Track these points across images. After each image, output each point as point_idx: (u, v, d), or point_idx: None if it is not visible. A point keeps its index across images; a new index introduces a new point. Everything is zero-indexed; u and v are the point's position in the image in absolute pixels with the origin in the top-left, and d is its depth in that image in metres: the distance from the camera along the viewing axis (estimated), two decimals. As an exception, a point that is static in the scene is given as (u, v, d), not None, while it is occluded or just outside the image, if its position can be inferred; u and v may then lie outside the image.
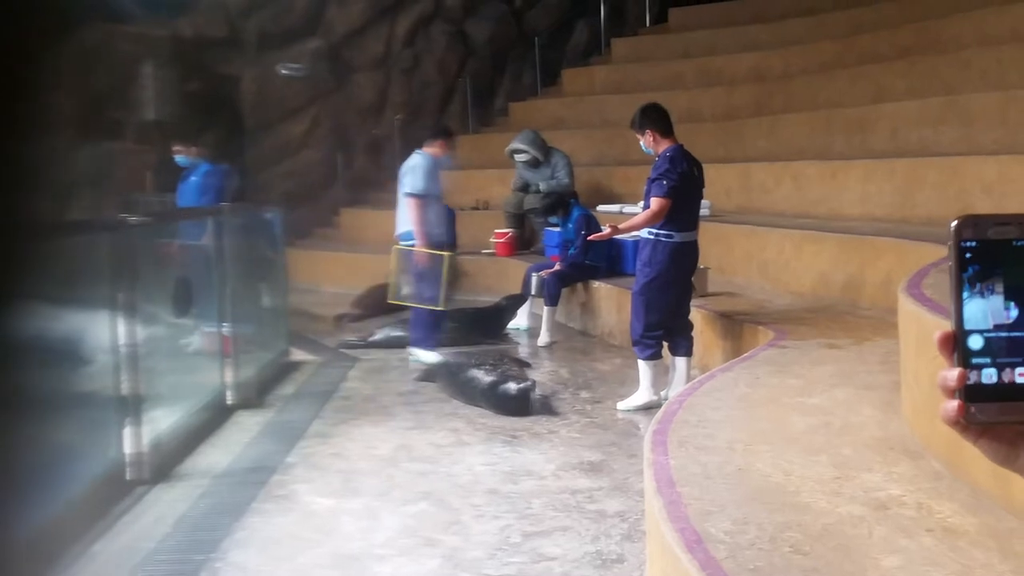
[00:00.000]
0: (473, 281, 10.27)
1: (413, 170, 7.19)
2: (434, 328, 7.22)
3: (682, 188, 5.49)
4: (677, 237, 5.54)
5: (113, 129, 11.67)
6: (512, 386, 5.62)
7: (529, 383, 5.68)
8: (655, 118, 5.65)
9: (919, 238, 5.93)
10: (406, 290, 7.20)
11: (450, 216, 8.28)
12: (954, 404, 0.83)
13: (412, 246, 7.08)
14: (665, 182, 5.45)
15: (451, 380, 6.07)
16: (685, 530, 2.63)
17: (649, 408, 5.48)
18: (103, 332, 4.54)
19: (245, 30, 12.97)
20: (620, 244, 8.05)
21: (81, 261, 4.81)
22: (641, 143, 5.71)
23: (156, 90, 11.74)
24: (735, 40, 12.53)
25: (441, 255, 7.04)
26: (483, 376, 5.78)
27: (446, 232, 7.66)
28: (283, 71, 12.93)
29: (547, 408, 5.60)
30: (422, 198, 7.06)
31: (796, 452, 3.31)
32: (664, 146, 5.58)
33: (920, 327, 3.34)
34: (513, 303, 8.19)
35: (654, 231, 5.56)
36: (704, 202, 6.74)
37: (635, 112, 5.75)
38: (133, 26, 12.08)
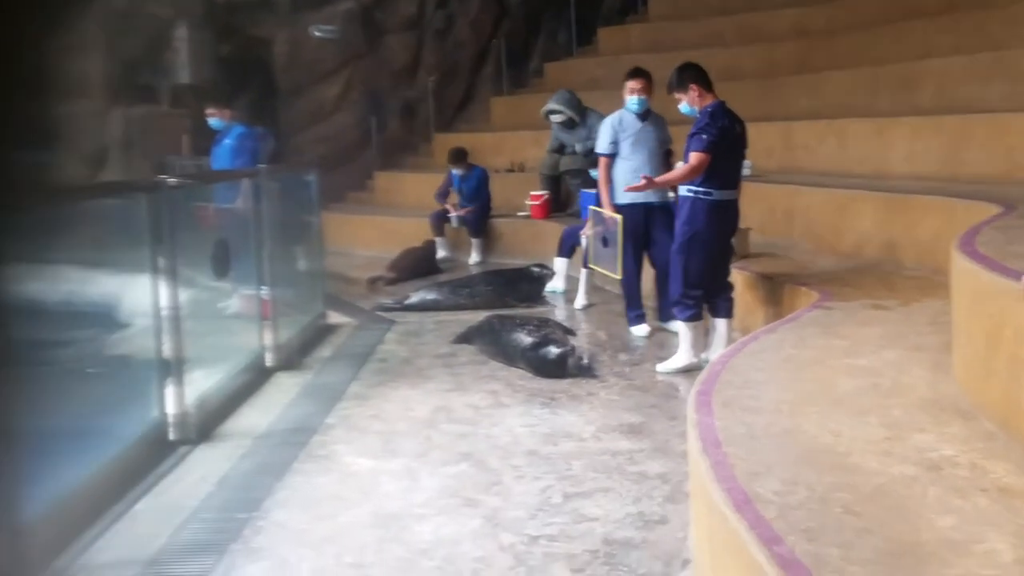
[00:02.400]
0: (508, 244, 10.23)
1: (601, 127, 6.69)
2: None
3: (722, 144, 5.38)
4: (716, 195, 5.44)
5: (147, 93, 11.69)
6: (552, 349, 5.58)
7: (568, 348, 5.64)
8: (696, 73, 5.55)
9: (968, 196, 5.79)
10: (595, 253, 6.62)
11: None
12: None
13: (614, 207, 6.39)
14: (704, 136, 5.34)
15: (493, 339, 6.05)
16: (733, 490, 2.58)
17: (688, 371, 5.42)
18: (143, 294, 4.55)
19: (278, -8, 12.91)
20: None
21: (118, 223, 4.82)
22: (682, 104, 5.59)
23: (189, 53, 11.73)
24: (776, -5, 12.28)
25: (616, 218, 6.30)
26: (524, 337, 5.75)
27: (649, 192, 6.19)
28: (315, 33, 12.86)
29: (585, 371, 5.55)
30: (607, 157, 6.51)
31: (844, 413, 3.24)
32: (707, 101, 5.48)
33: (976, 285, 3.24)
34: (546, 274, 8.11)
35: (692, 188, 5.46)
36: (745, 162, 6.61)
37: (671, 74, 5.64)
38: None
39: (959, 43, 8.43)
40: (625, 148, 6.44)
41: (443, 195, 10.38)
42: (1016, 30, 7.95)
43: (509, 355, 5.83)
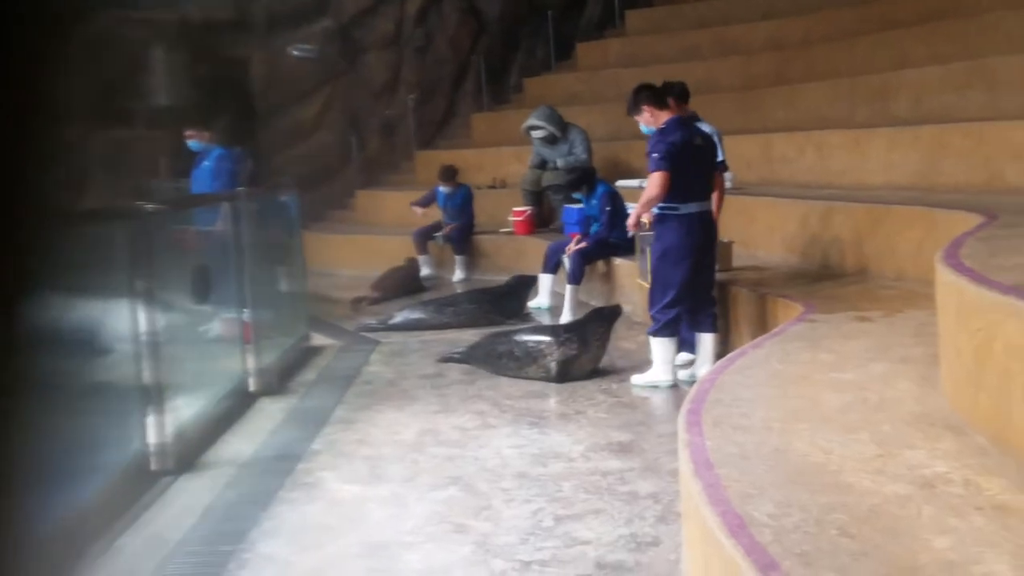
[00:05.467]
0: (491, 261, 10.20)
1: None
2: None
3: (678, 158, 5.39)
4: (682, 209, 5.45)
5: (125, 116, 11.61)
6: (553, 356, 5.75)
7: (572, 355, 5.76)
8: (648, 93, 5.63)
9: (947, 206, 5.80)
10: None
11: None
12: None
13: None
14: (655, 155, 5.41)
15: (493, 348, 6.11)
16: (727, 514, 2.55)
17: (668, 386, 5.44)
18: (122, 321, 4.49)
19: (253, 12, 12.87)
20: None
21: (97, 250, 4.76)
22: (642, 126, 5.66)
23: (166, 75, 11.67)
24: (751, 9, 12.35)
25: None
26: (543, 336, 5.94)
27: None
28: (293, 53, 12.83)
29: (572, 388, 5.53)
30: None
31: (834, 430, 3.22)
32: (663, 119, 5.52)
33: (961, 298, 3.24)
34: (524, 283, 8.09)
35: (660, 204, 5.50)
36: (727, 174, 6.62)
37: (628, 98, 5.73)
38: (141, 11, 12.01)
39: (935, 53, 8.48)
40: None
41: (421, 204, 10.33)
42: (991, 38, 8.02)
43: (520, 359, 5.90)
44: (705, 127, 6.04)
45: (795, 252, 7.11)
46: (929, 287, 3.83)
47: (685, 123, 5.53)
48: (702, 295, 5.60)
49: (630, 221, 5.72)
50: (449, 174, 10.22)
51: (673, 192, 5.41)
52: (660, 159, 5.38)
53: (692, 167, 5.47)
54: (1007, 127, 6.66)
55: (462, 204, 10.26)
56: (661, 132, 5.46)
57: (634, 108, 5.64)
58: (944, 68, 8.07)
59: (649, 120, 5.57)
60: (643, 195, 5.56)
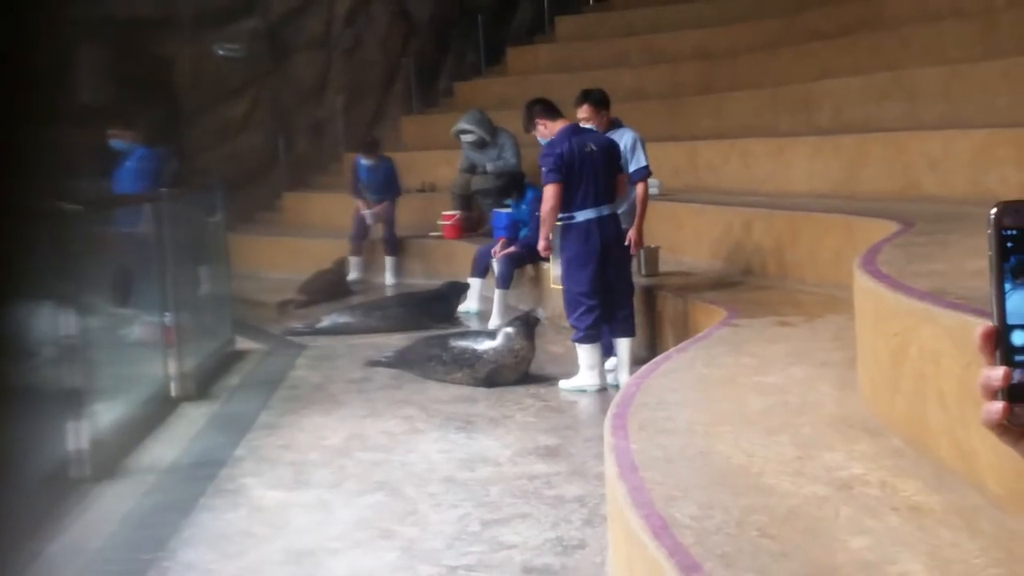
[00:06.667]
0: (421, 265, 10.16)
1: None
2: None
3: (569, 168, 5.44)
4: (578, 217, 5.53)
5: (46, 114, 11.30)
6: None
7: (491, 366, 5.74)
8: (539, 108, 5.72)
9: (866, 214, 5.96)
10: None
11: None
12: (997, 406, 0.76)
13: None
14: (544, 169, 5.51)
15: (426, 352, 6.10)
16: (650, 516, 2.58)
17: (595, 390, 5.49)
18: (41, 324, 4.36)
19: (179, 10, 12.61)
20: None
21: (15, 250, 4.62)
22: (540, 139, 5.73)
23: (89, 72, 11.37)
24: (679, 17, 12.52)
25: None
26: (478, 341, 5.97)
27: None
28: (220, 52, 12.61)
29: (501, 392, 5.54)
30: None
31: (756, 433, 3.28)
32: (557, 129, 5.61)
33: (878, 304, 3.32)
34: (455, 290, 8.09)
35: (559, 215, 5.58)
36: (653, 181, 6.69)
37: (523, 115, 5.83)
38: (65, 7, 11.70)
39: (855, 64, 8.70)
40: None
41: (357, 190, 10.15)
42: (909, 51, 8.25)
43: (448, 364, 5.88)
44: (627, 133, 6.10)
45: (720, 258, 7.22)
46: (848, 292, 3.93)
47: (577, 131, 5.59)
48: (615, 297, 5.64)
49: (540, 245, 5.75)
50: (371, 146, 10.03)
51: (567, 202, 5.48)
52: (549, 171, 5.47)
53: (585, 175, 5.50)
54: (924, 136, 6.87)
55: (386, 178, 10.06)
56: (549, 144, 5.56)
57: (529, 124, 5.75)
58: (864, 79, 8.28)
59: (544, 132, 5.67)
60: (541, 209, 5.64)
